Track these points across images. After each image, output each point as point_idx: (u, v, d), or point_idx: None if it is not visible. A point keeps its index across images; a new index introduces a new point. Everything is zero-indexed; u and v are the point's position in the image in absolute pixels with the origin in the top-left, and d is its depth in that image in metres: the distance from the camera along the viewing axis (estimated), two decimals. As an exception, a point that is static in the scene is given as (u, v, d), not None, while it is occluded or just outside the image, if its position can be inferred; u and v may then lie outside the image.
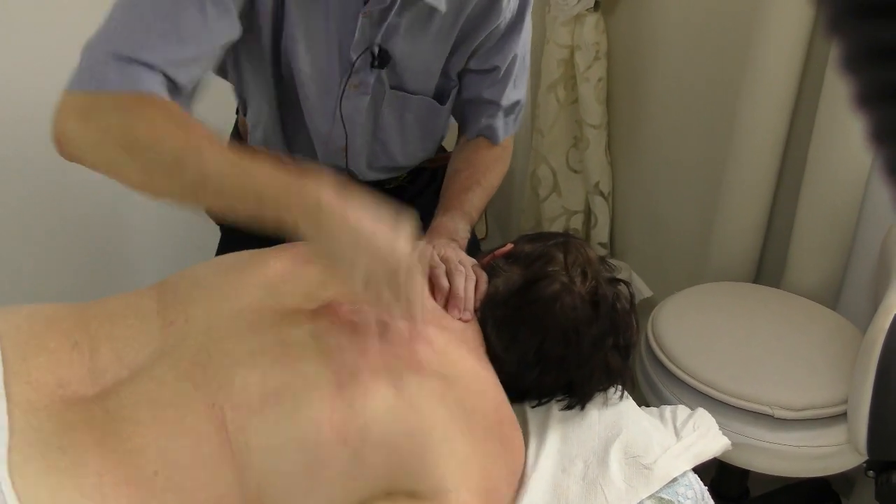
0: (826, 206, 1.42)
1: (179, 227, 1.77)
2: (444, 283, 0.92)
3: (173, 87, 0.81)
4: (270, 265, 0.84)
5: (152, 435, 0.65)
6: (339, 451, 0.68)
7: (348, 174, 1.13)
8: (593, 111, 1.80)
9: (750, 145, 1.50)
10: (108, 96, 0.79)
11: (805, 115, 1.45)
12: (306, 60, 0.97)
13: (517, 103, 1.18)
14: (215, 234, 1.24)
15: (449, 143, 1.26)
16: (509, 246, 1.01)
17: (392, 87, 1.05)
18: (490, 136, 1.18)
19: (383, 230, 0.73)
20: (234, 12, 0.85)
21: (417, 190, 1.24)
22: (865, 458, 1.15)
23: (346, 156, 1.09)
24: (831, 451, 1.17)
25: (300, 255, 0.86)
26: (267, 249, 0.87)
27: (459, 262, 0.95)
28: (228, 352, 0.72)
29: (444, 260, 0.95)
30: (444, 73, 1.09)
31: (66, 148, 0.79)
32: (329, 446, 0.68)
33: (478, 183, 1.15)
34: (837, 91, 1.32)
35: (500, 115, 1.17)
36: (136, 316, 0.77)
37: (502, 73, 1.12)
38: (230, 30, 0.86)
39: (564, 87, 1.84)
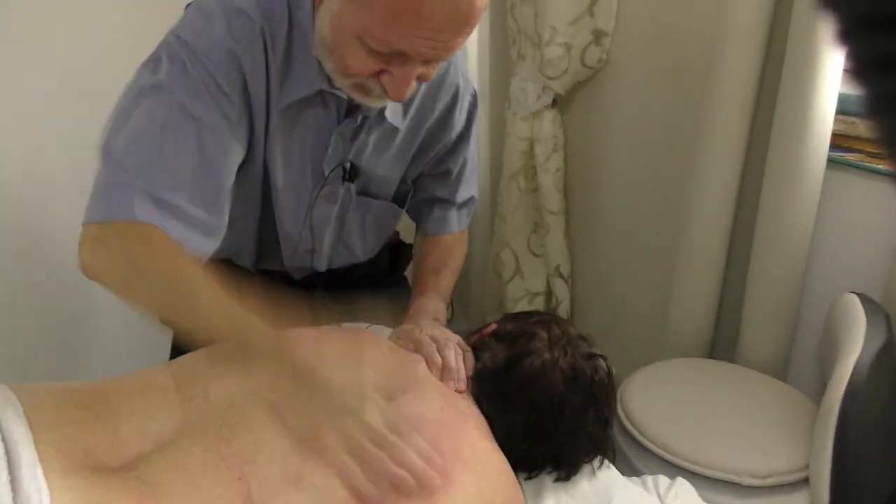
0: (773, 284, 1.52)
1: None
2: (437, 358, 0.97)
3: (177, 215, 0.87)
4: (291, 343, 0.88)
5: (187, 502, 0.68)
6: None
7: (311, 270, 1.20)
8: (552, 199, 1.89)
9: (700, 228, 1.60)
10: (115, 225, 0.85)
11: (750, 199, 1.56)
12: (282, 175, 1.04)
13: (471, 199, 1.30)
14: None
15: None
16: (493, 325, 1.08)
17: (358, 194, 1.13)
18: (447, 231, 1.28)
19: (351, 386, 0.79)
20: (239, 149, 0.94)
21: (387, 271, 1.33)
22: (828, 521, 1.22)
23: (312, 257, 1.16)
24: (796, 516, 1.23)
25: (314, 338, 0.90)
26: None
27: (447, 339, 1.02)
28: (251, 428, 0.75)
29: (433, 339, 1.01)
30: (403, 179, 1.19)
31: (88, 272, 0.85)
32: None
33: (445, 265, 1.25)
34: (779, 176, 1.44)
35: (454, 210, 1.28)
36: (155, 391, 0.80)
37: (454, 175, 1.24)
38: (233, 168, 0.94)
39: (525, 176, 1.91)
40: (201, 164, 0.88)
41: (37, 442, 0.67)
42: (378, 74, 0.87)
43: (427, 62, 0.87)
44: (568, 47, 1.71)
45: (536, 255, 2.01)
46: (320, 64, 0.93)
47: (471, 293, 2.25)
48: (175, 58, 0.88)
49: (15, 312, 1.61)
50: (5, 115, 1.49)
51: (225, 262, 1.16)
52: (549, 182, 1.87)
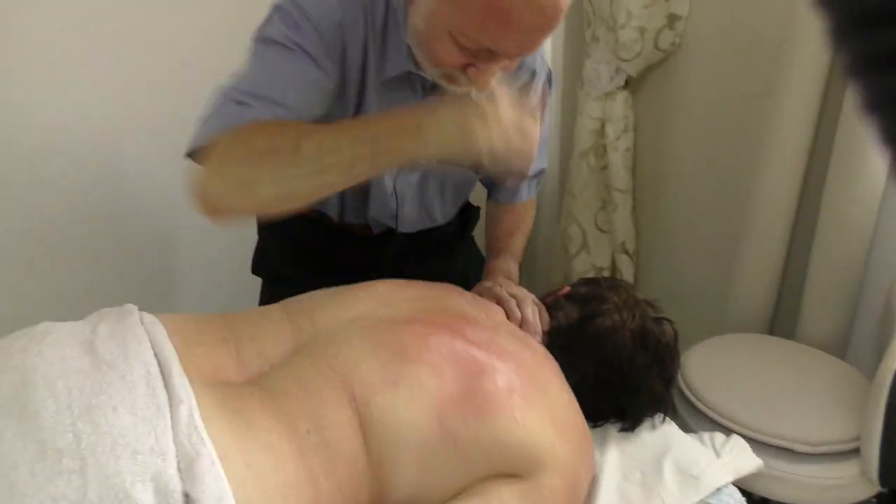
0: (834, 265, 1.57)
1: (222, 273, 1.93)
2: (517, 312, 1.09)
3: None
4: (377, 287, 1.01)
5: (303, 402, 0.80)
6: (449, 452, 0.82)
7: (391, 232, 1.28)
8: (621, 177, 1.95)
9: (765, 209, 1.66)
10: (227, 135, 0.86)
11: (816, 179, 1.61)
12: None
13: (541, 171, 1.38)
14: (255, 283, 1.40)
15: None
16: (567, 288, 1.18)
17: (438, 162, 1.22)
18: (517, 200, 1.37)
19: (496, 91, 0.87)
20: (327, 91, 1.00)
21: (456, 232, 1.42)
22: (877, 488, 1.28)
23: (396, 220, 1.25)
24: (845, 483, 1.29)
25: (399, 281, 1.02)
26: (368, 283, 1.04)
27: (525, 295, 1.12)
28: (354, 346, 0.87)
29: (513, 295, 1.12)
30: None
31: (206, 201, 0.86)
32: (439, 445, 0.82)
33: (518, 228, 1.36)
34: (845, 159, 1.49)
35: (525, 181, 1.36)
36: (269, 321, 0.94)
37: None
38: (323, 102, 1.00)
39: (595, 154, 1.98)
40: (309, 97, 0.95)
41: (181, 360, 0.80)
42: (465, 66, 0.94)
43: (511, 57, 0.94)
44: (642, 30, 1.77)
45: (603, 231, 2.08)
46: (409, 48, 1.00)
47: (538, 267, 2.34)
48: (288, 18, 0.95)
49: (98, 249, 1.76)
50: (85, 70, 1.62)
51: (311, 213, 1.26)
52: (619, 161, 1.94)
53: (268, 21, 0.98)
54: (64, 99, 1.59)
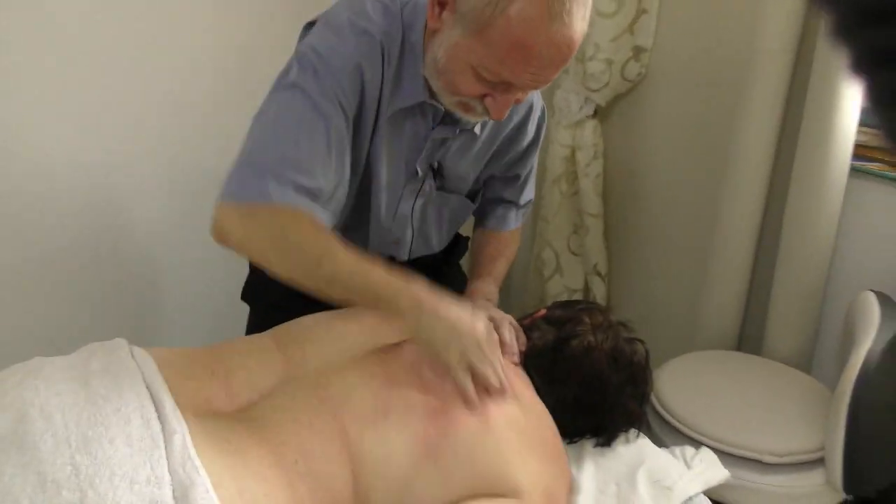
0: (797, 285, 1.64)
1: (210, 302, 1.96)
2: (495, 335, 1.13)
3: (314, 198, 1.02)
4: (365, 318, 1.05)
5: (292, 433, 0.83)
6: (430, 469, 0.86)
7: (391, 259, 1.33)
8: (592, 202, 2.01)
9: (730, 231, 1.73)
10: (266, 206, 0.97)
11: (777, 205, 1.69)
12: (385, 172, 1.18)
13: (530, 201, 1.46)
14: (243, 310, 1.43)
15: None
16: (543, 311, 1.23)
17: (437, 189, 1.28)
18: (505, 228, 1.44)
19: (465, 317, 0.98)
20: (349, 138, 1.07)
21: (444, 259, 1.48)
22: (842, 496, 1.34)
23: (397, 247, 1.30)
24: (811, 491, 1.34)
25: None
26: (355, 311, 1.08)
27: (502, 318, 1.17)
28: (344, 377, 0.91)
29: (490, 318, 1.17)
30: (476, 179, 1.34)
31: (224, 236, 0.99)
32: (423, 464, 0.86)
33: (502, 254, 1.41)
34: (805, 184, 1.57)
35: (515, 210, 1.43)
36: (260, 352, 0.98)
37: (521, 179, 1.39)
38: (345, 151, 1.08)
39: (566, 180, 2.05)
40: (329, 155, 1.03)
41: (172, 392, 0.83)
42: (482, 96, 1.01)
43: (526, 90, 1.02)
44: (609, 62, 1.85)
45: (576, 255, 2.14)
46: (425, 79, 1.07)
47: (513, 289, 2.39)
48: (307, 65, 1.02)
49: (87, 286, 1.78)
50: (84, 106, 1.66)
51: None
52: (590, 186, 2.00)
53: (289, 68, 1.04)
54: (53, 134, 1.63)
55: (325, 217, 1.03)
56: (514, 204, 1.42)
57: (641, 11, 1.83)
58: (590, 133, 1.97)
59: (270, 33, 1.76)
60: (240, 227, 0.98)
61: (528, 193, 1.43)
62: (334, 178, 1.04)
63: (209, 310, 1.96)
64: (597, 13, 1.79)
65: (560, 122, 2.00)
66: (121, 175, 1.75)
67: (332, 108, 1.02)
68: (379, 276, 0.98)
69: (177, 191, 1.84)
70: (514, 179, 1.38)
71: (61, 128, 1.63)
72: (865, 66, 0.34)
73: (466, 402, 0.92)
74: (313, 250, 0.98)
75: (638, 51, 1.87)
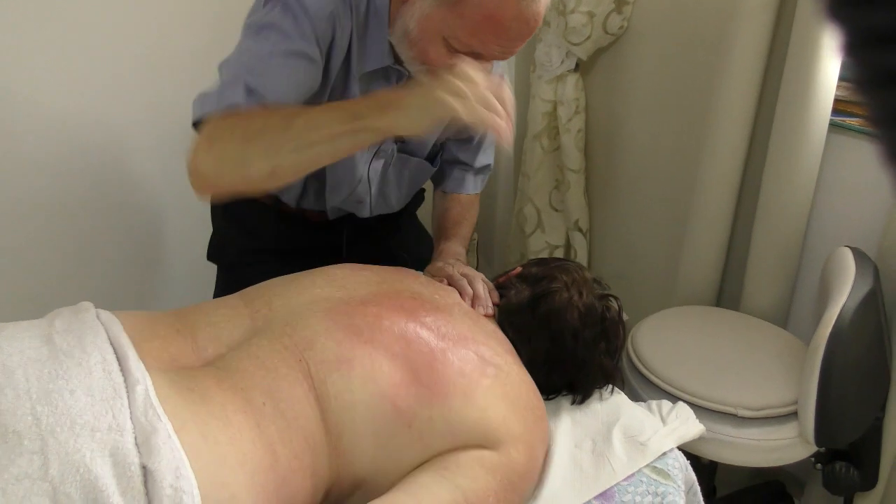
0: (775, 241, 1.64)
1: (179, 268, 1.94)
2: (469, 290, 1.14)
3: None
4: (333, 271, 1.05)
5: (258, 378, 0.84)
6: (405, 432, 0.86)
7: (351, 216, 1.35)
8: (573, 158, 2.01)
9: (710, 188, 1.73)
10: (225, 116, 0.96)
11: (757, 160, 1.69)
12: None
13: (487, 166, 1.46)
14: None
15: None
16: (518, 268, 1.23)
17: (399, 152, 1.28)
18: (463, 190, 1.45)
19: (464, 68, 0.92)
20: (317, 81, 1.07)
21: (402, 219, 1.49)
22: (814, 448, 1.37)
23: (360, 206, 1.31)
24: (785, 444, 1.37)
25: (355, 265, 1.07)
26: (324, 267, 1.07)
27: (475, 274, 1.18)
28: (309, 326, 0.91)
29: (464, 274, 1.18)
30: (434, 142, 1.34)
31: (199, 178, 0.96)
32: (395, 425, 0.86)
33: (465, 218, 1.43)
34: (785, 140, 1.56)
35: (471, 174, 1.45)
36: (227, 307, 0.97)
37: (475, 141, 1.40)
38: (311, 86, 1.07)
39: (548, 136, 2.04)
40: (298, 88, 1.02)
41: (137, 349, 0.83)
42: (451, 66, 1.00)
43: (493, 60, 1.03)
44: (591, 15, 1.82)
45: (557, 211, 2.14)
46: (390, 44, 1.08)
47: (495, 246, 2.40)
48: (287, 7, 1.01)
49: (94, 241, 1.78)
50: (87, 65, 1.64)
51: (267, 200, 1.32)
52: (571, 142, 2.00)
53: (265, 7, 1.03)
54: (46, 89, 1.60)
55: None
56: (469, 166, 1.43)
57: (624, -38, 1.80)
58: (571, 87, 1.95)
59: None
60: (205, 153, 0.95)
61: (484, 158, 1.45)
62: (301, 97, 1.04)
63: (176, 275, 1.95)
64: (579, -36, 1.76)
65: (542, 77, 1.98)
66: (112, 129, 1.73)
67: (307, 47, 1.01)
68: (349, 102, 0.99)
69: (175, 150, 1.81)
70: (467, 141, 1.40)
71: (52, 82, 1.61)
72: (873, 86, 0.34)
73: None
74: (278, 120, 0.94)
75: (620, 3, 1.84)
